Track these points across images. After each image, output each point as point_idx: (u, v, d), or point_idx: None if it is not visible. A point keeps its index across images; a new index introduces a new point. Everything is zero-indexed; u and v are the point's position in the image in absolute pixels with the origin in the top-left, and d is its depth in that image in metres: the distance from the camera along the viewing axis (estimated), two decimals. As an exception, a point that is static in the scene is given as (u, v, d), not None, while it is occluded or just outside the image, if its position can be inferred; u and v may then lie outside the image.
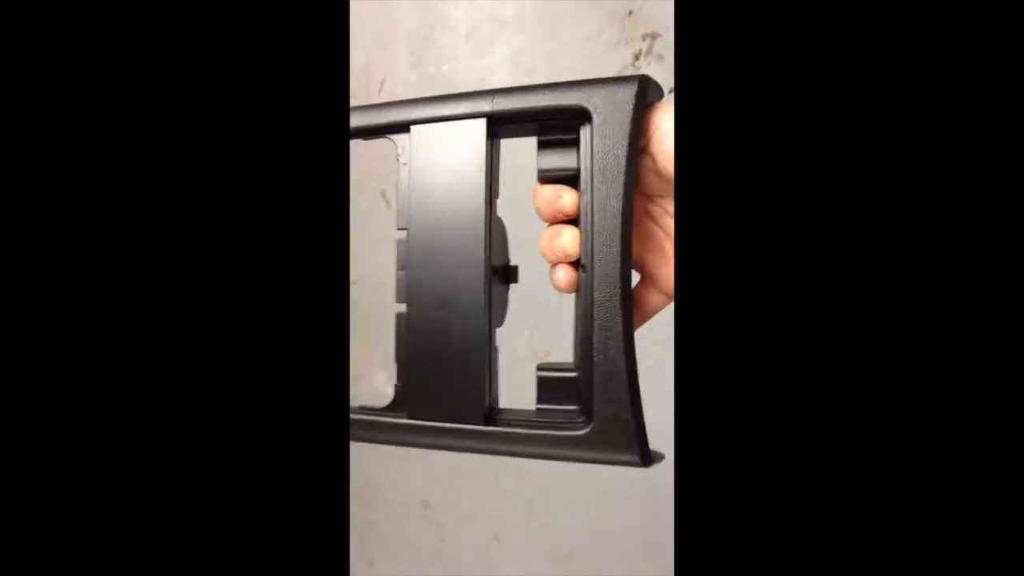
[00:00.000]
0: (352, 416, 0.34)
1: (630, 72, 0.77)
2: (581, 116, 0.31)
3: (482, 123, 0.32)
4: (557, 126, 0.33)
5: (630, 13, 0.76)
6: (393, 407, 0.34)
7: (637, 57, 0.77)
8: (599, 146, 0.31)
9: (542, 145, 0.33)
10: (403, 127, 0.33)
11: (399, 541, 0.99)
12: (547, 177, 0.33)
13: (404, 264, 0.34)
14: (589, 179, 0.31)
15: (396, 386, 0.34)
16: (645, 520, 0.82)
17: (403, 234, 0.34)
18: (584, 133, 0.32)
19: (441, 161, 0.33)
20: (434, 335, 0.33)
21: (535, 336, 0.84)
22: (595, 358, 0.31)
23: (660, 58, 0.77)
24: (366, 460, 1.02)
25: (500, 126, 0.33)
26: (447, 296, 0.33)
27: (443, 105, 0.33)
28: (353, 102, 0.32)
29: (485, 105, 0.32)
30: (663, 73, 0.75)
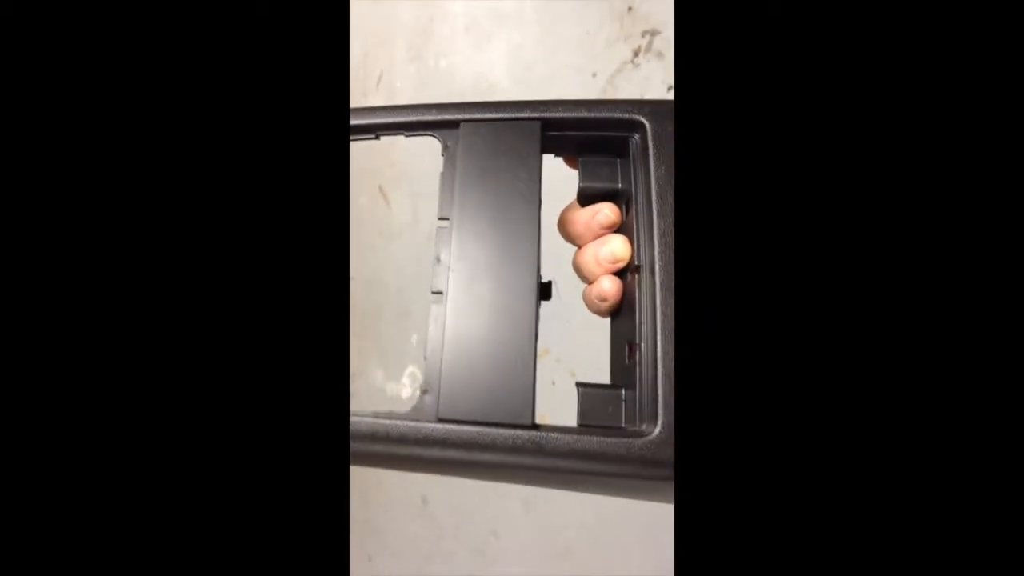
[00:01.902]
0: (366, 420, 0.28)
1: (629, 69, 0.77)
2: (632, 128, 0.32)
3: (537, 125, 0.32)
4: (600, 144, 0.33)
5: (630, 9, 0.75)
6: (418, 412, 0.29)
7: (636, 54, 0.77)
8: (655, 155, 0.31)
9: (584, 164, 0.34)
10: (452, 124, 0.33)
11: (398, 537, 0.99)
12: (589, 194, 0.33)
13: (442, 252, 0.31)
14: (646, 186, 0.31)
15: (422, 388, 0.29)
16: (643, 516, 0.83)
17: (445, 223, 0.31)
18: (634, 144, 0.32)
19: (491, 159, 0.32)
20: (476, 329, 0.29)
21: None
22: (659, 362, 0.28)
23: (660, 55, 0.76)
24: (365, 456, 1.02)
25: (549, 135, 0.33)
26: (493, 290, 0.30)
27: (494, 109, 0.33)
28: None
29: (541, 111, 0.32)
30: (662, 70, 0.75)
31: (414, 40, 0.95)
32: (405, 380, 0.98)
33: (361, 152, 1.01)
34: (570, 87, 0.80)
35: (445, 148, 0.32)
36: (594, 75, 0.79)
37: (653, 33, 0.76)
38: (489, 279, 0.30)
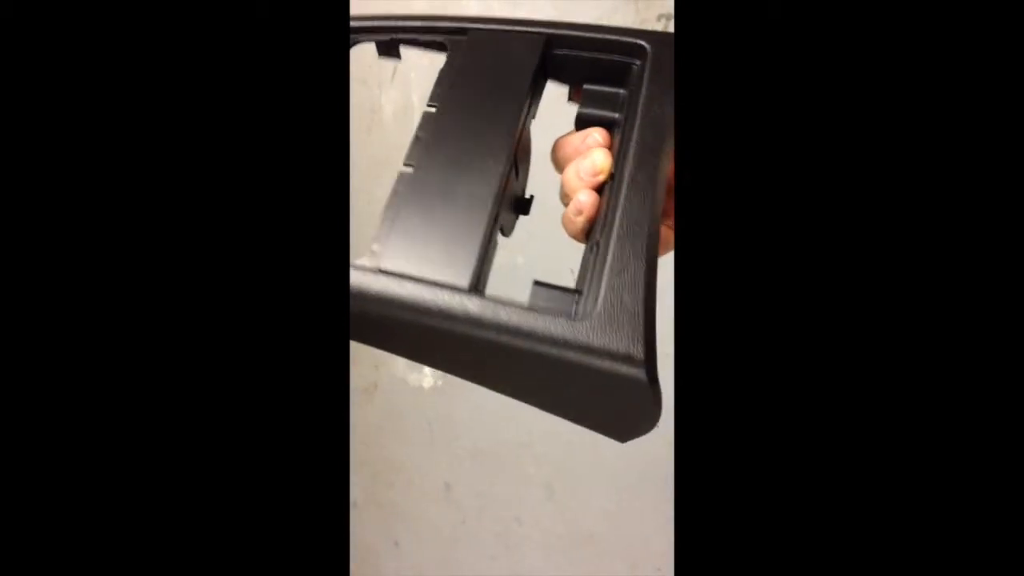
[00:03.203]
0: None
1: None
2: (635, 54, 0.33)
3: (540, 39, 0.33)
4: (605, 74, 0.33)
5: (643, -7, 0.74)
6: (363, 262, 0.28)
7: (651, 38, 0.76)
8: (650, 74, 0.32)
9: (587, 92, 0.34)
10: (460, 31, 0.34)
11: (422, 522, 1.01)
12: (587, 120, 0.34)
13: (422, 131, 0.31)
14: (635, 100, 0.31)
15: (373, 241, 0.28)
16: (664, 501, 0.83)
17: (432, 109, 0.32)
18: (635, 69, 0.33)
19: (490, 61, 0.33)
20: (435, 195, 0.29)
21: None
22: (610, 253, 0.26)
23: (675, 39, 0.75)
24: (389, 443, 1.04)
25: (553, 55, 0.33)
26: (462, 168, 0.29)
27: (503, 23, 0.34)
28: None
29: (545, 28, 0.33)
30: (678, 54, 0.74)
31: (428, 30, 0.95)
32: (427, 371, 0.99)
33: (379, 144, 1.02)
34: (584, 74, 0.80)
35: (450, 51, 0.33)
36: (608, 61, 0.79)
37: (668, 17, 0.75)
38: (461, 159, 0.30)
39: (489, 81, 0.32)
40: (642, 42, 0.32)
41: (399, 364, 1.03)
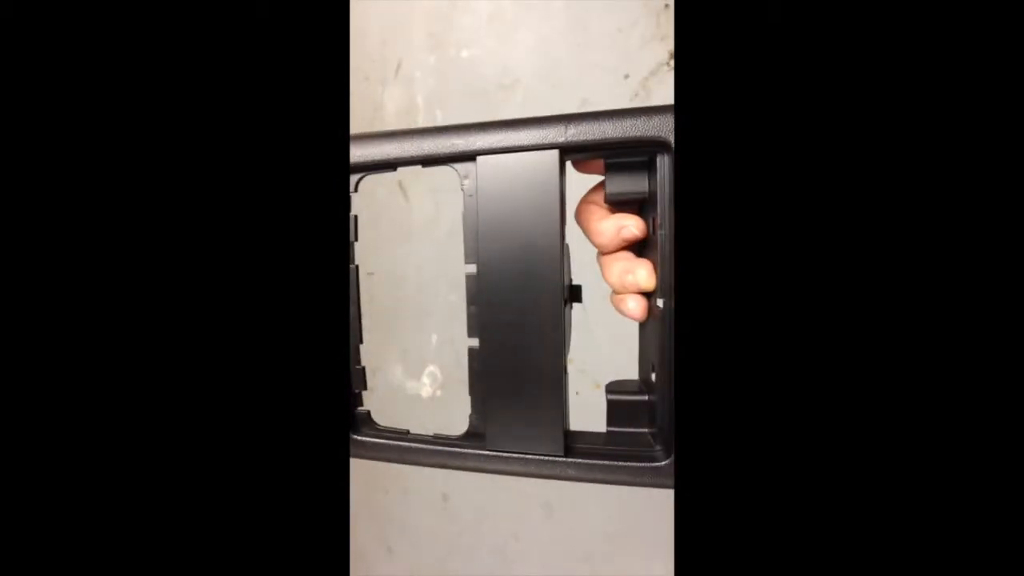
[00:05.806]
0: (431, 446, 0.35)
1: (664, 72, 0.73)
2: (659, 147, 0.31)
3: (555, 154, 0.31)
4: (628, 151, 0.33)
5: (667, 6, 0.71)
6: (469, 437, 0.35)
7: (672, 56, 0.73)
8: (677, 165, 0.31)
9: (611, 168, 0.33)
10: (469, 156, 0.33)
11: (417, 531, 1.00)
12: (616, 200, 0.33)
13: (475, 300, 0.34)
14: (667, 212, 0.31)
15: (471, 417, 0.35)
16: (663, 523, 0.83)
17: (472, 268, 0.33)
18: (661, 162, 0.31)
19: (511, 192, 0.32)
20: (510, 367, 0.33)
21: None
22: (669, 403, 0.32)
23: (697, 56, 0.72)
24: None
25: (570, 153, 0.33)
26: (522, 329, 0.33)
27: (512, 133, 0.32)
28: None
29: (558, 135, 0.31)
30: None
31: (434, 28, 0.91)
32: (425, 379, 0.97)
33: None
34: (599, 89, 0.76)
35: (463, 180, 0.33)
36: (626, 76, 0.75)
37: (691, 33, 0.72)
38: (517, 317, 0.33)
39: (517, 221, 0.32)
40: (666, 137, 0.30)
41: (396, 371, 1.01)
